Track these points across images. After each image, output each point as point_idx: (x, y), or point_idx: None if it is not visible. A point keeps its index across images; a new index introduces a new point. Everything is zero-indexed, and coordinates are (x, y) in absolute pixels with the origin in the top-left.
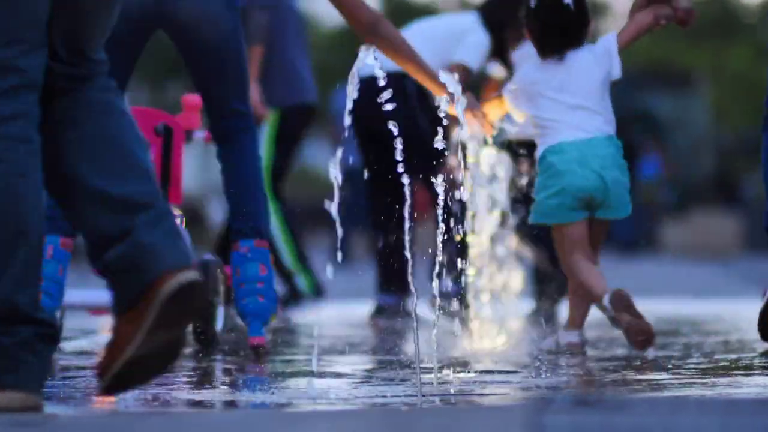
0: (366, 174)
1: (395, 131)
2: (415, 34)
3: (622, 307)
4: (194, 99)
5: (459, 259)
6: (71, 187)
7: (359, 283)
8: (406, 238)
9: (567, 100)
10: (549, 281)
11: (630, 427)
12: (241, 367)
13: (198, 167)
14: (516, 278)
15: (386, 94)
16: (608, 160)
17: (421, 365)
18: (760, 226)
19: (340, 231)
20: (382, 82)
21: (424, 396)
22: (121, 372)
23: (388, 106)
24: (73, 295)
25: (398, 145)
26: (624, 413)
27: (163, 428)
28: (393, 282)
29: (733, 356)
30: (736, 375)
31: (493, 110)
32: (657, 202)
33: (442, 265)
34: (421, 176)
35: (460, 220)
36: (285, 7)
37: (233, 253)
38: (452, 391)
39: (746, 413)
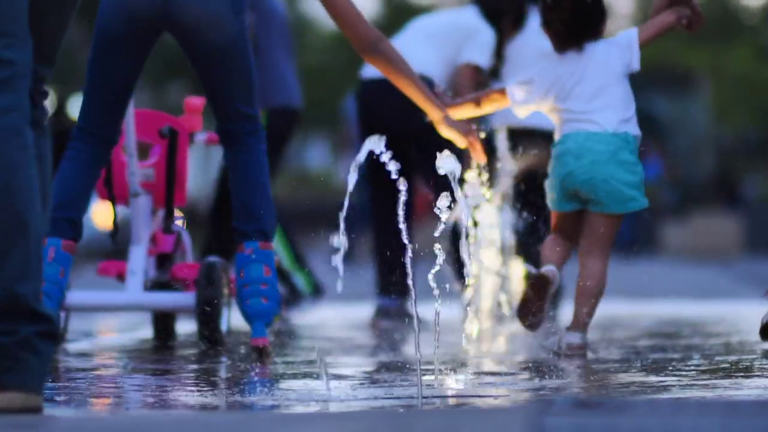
0: (368, 176)
1: (404, 134)
2: (417, 31)
3: (535, 285)
4: (196, 102)
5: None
6: None
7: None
8: (406, 239)
9: (584, 90)
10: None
11: (631, 428)
12: (243, 369)
13: (198, 169)
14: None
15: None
16: (605, 155)
17: (422, 367)
18: (761, 227)
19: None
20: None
21: (424, 398)
22: None
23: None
24: (76, 296)
25: (408, 146)
26: (625, 415)
27: (163, 429)
28: (394, 284)
29: (734, 358)
30: (737, 377)
31: (475, 109)
32: (657, 203)
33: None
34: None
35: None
36: (268, 9)
37: (238, 254)
38: (453, 392)
39: (747, 415)
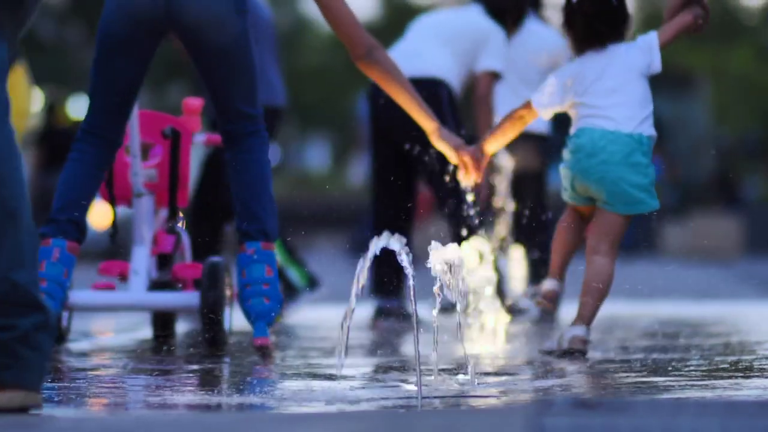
0: (373, 176)
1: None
2: (430, 33)
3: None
4: (195, 102)
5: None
6: None
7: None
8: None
9: (603, 86)
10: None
11: (630, 429)
12: (243, 369)
13: (197, 170)
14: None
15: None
16: (617, 156)
17: (422, 367)
18: (761, 227)
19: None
20: None
21: (424, 398)
22: None
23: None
24: (79, 296)
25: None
26: (624, 415)
27: (163, 429)
28: (394, 284)
29: (734, 358)
30: (737, 377)
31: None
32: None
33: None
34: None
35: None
36: (253, 14)
37: (239, 254)
38: (452, 393)
39: (746, 415)
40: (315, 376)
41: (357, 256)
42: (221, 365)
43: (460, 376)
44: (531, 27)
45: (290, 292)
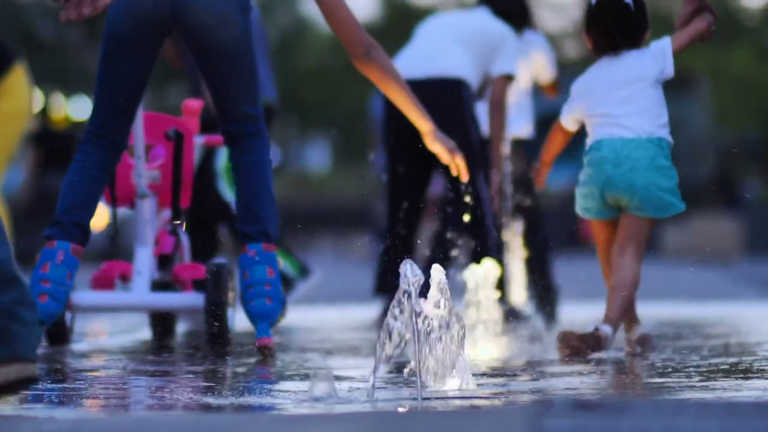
0: (387, 175)
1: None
2: (447, 32)
3: (588, 339)
4: (194, 104)
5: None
6: None
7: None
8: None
9: (617, 95)
10: (547, 286)
11: (630, 430)
12: (243, 370)
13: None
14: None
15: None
16: (643, 162)
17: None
18: (761, 228)
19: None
20: None
21: (424, 399)
22: None
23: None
24: (83, 296)
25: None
26: (624, 416)
27: (163, 430)
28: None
29: (734, 359)
30: (737, 378)
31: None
32: None
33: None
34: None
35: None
36: None
37: (241, 256)
38: (453, 393)
39: (746, 416)
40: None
41: (370, 264)
42: (221, 366)
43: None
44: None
45: (284, 283)
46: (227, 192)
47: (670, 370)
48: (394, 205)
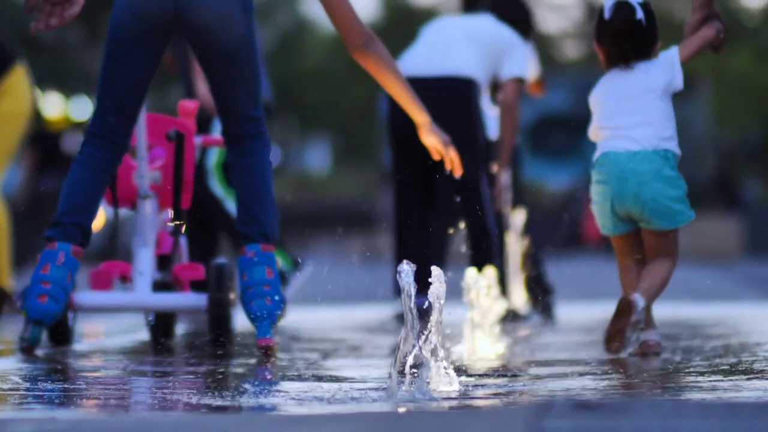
0: (396, 174)
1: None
2: (457, 31)
3: (620, 312)
4: (190, 105)
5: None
6: None
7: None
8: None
9: (624, 107)
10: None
11: (630, 430)
12: (243, 370)
13: None
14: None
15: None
16: (648, 175)
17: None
18: (761, 229)
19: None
20: None
21: (424, 399)
22: None
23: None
24: (85, 297)
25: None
26: (625, 417)
27: (163, 431)
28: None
29: (734, 360)
30: (737, 379)
31: None
32: None
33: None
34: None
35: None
36: None
37: (240, 257)
38: (453, 394)
39: (746, 417)
40: (315, 377)
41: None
42: (221, 366)
43: (461, 378)
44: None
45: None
46: (218, 189)
47: (670, 370)
48: (403, 205)
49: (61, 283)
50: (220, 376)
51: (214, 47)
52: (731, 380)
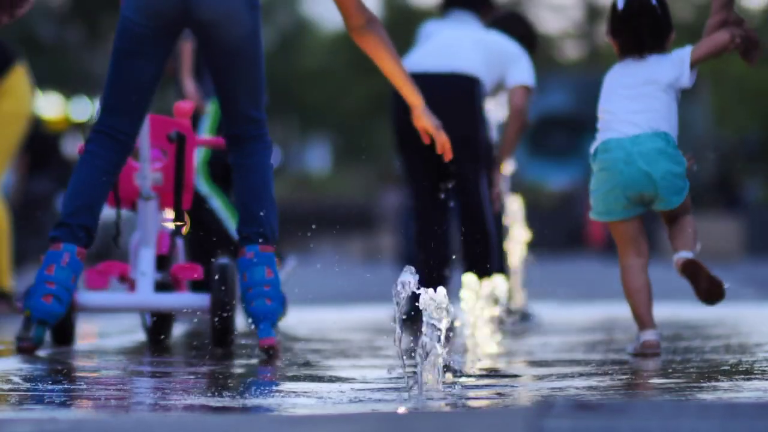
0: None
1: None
2: (464, 34)
3: (693, 273)
4: (186, 106)
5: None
6: None
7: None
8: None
9: (627, 94)
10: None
11: (631, 430)
12: (243, 371)
13: None
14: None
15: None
16: (654, 154)
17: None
18: (761, 229)
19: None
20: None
21: (424, 399)
22: None
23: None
24: (87, 297)
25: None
26: (625, 417)
27: (163, 431)
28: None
29: (734, 360)
30: (737, 379)
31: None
32: None
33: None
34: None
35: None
36: None
37: (240, 258)
38: (453, 394)
39: (746, 417)
40: (315, 377)
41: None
42: (222, 367)
43: (461, 378)
44: None
45: None
46: (203, 187)
47: (670, 370)
48: (415, 204)
49: (66, 284)
50: (220, 376)
51: (221, 43)
52: (731, 380)
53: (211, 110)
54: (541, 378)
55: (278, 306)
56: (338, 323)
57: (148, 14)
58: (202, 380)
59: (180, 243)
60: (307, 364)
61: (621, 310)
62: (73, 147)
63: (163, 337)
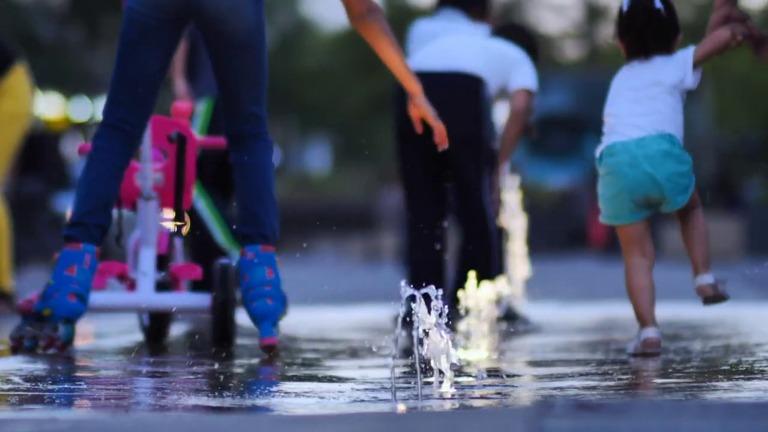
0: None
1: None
2: (470, 37)
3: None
4: (184, 106)
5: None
6: None
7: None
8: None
9: (632, 95)
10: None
11: (631, 430)
12: (243, 371)
13: None
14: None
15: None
16: (659, 156)
17: (422, 368)
18: (761, 229)
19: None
20: None
21: (425, 399)
22: None
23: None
24: (90, 297)
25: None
26: (625, 417)
27: (163, 431)
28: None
29: (734, 360)
30: (737, 379)
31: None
32: None
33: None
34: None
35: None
36: None
37: (240, 258)
38: (453, 394)
39: (747, 417)
40: (315, 377)
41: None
42: (222, 367)
43: (461, 378)
44: None
45: (221, 254)
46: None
47: (670, 370)
48: (412, 202)
49: (87, 284)
50: (221, 376)
51: (225, 37)
52: (731, 380)
53: (201, 110)
54: (541, 378)
55: (279, 305)
56: (338, 323)
57: (154, 6)
58: (202, 380)
59: (178, 242)
60: (306, 364)
61: (621, 310)
62: (72, 147)
63: (159, 337)
